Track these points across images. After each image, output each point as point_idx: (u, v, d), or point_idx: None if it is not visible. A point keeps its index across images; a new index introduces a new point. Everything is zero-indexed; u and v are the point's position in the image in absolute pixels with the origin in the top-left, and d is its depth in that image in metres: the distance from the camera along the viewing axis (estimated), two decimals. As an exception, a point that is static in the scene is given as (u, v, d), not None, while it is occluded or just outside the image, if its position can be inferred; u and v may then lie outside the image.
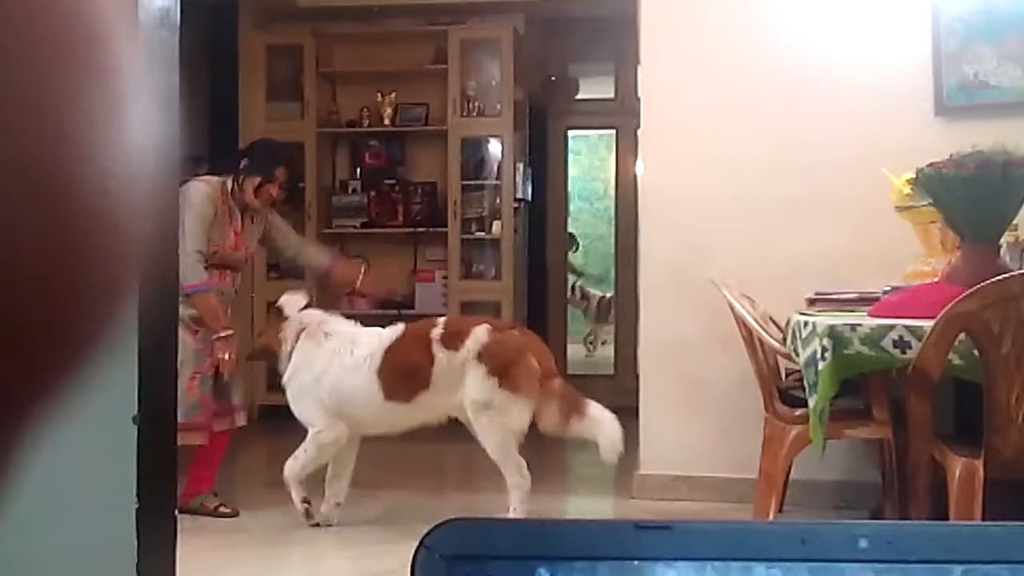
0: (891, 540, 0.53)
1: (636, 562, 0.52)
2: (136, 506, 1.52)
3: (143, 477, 1.52)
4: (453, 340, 4.24)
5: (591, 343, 10.65)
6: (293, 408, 4.41)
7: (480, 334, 4.24)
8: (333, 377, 4.31)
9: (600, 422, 4.15)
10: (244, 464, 6.14)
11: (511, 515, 4.09)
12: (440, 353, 4.22)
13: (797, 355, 3.61)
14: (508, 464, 4.18)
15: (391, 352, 4.31)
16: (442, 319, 4.57)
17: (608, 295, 10.22)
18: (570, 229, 9.87)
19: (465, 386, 4.19)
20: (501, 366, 4.16)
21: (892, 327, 3.29)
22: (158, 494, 1.60)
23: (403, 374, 4.26)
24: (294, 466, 4.33)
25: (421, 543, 0.54)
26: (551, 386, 4.21)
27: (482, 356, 4.18)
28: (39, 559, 1.44)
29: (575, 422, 4.17)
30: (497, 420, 4.15)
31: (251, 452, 6.40)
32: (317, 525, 4.34)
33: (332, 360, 4.33)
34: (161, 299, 1.40)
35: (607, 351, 10.21)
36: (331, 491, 4.44)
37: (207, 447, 4.41)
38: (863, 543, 0.52)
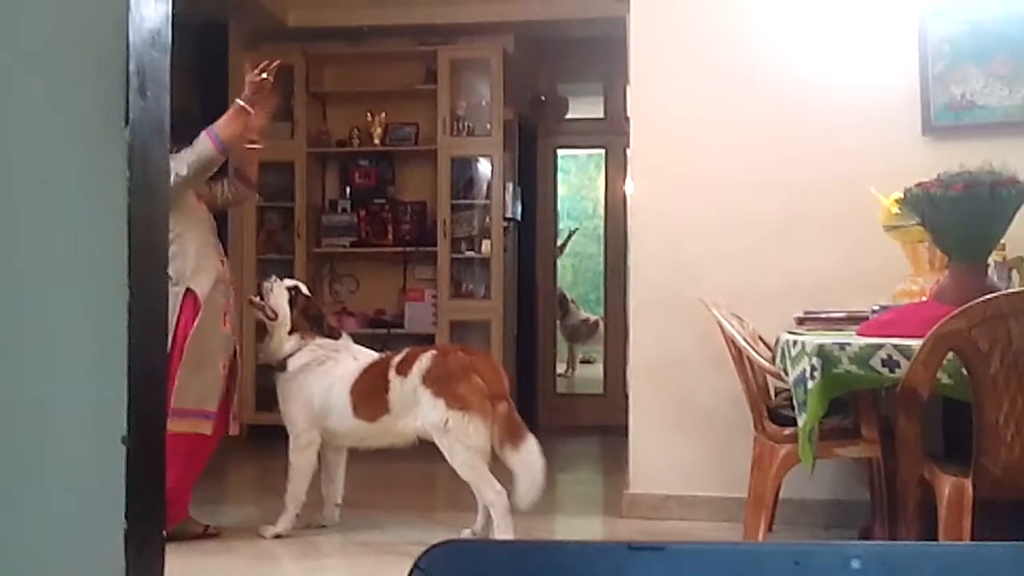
0: (884, 560, 0.53)
1: None
2: (124, 527, 1.51)
3: (131, 498, 1.51)
4: (404, 367, 4.45)
5: (568, 364, 10.58)
6: (283, 406, 4.66)
7: (424, 360, 4.42)
8: (323, 386, 4.57)
9: (528, 463, 4.20)
10: (232, 481, 6.11)
11: (496, 534, 4.09)
12: (394, 379, 4.44)
13: (786, 374, 3.61)
14: (480, 482, 4.23)
15: (363, 374, 4.56)
16: (404, 350, 4.69)
17: (592, 317, 10.19)
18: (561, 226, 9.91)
19: (421, 412, 4.35)
20: (446, 388, 4.31)
21: (881, 346, 3.30)
22: (147, 515, 1.59)
23: (367, 397, 4.50)
24: (292, 491, 4.54)
25: (415, 565, 0.54)
26: (496, 409, 4.28)
27: (426, 380, 4.35)
28: (26, 580, 1.43)
29: (508, 451, 4.24)
30: (456, 440, 4.24)
31: (239, 471, 6.38)
32: (324, 527, 4.64)
33: (327, 369, 4.60)
34: (151, 316, 1.40)
35: (588, 371, 10.21)
36: (328, 494, 4.72)
37: (200, 444, 4.40)
38: (856, 564, 0.53)
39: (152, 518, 1.65)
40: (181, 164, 4.27)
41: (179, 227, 4.34)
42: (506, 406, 4.32)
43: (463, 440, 4.23)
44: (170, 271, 4.16)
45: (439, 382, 4.32)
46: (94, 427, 1.39)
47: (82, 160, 1.21)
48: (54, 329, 1.29)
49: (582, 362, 10.61)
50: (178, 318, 4.30)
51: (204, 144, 4.33)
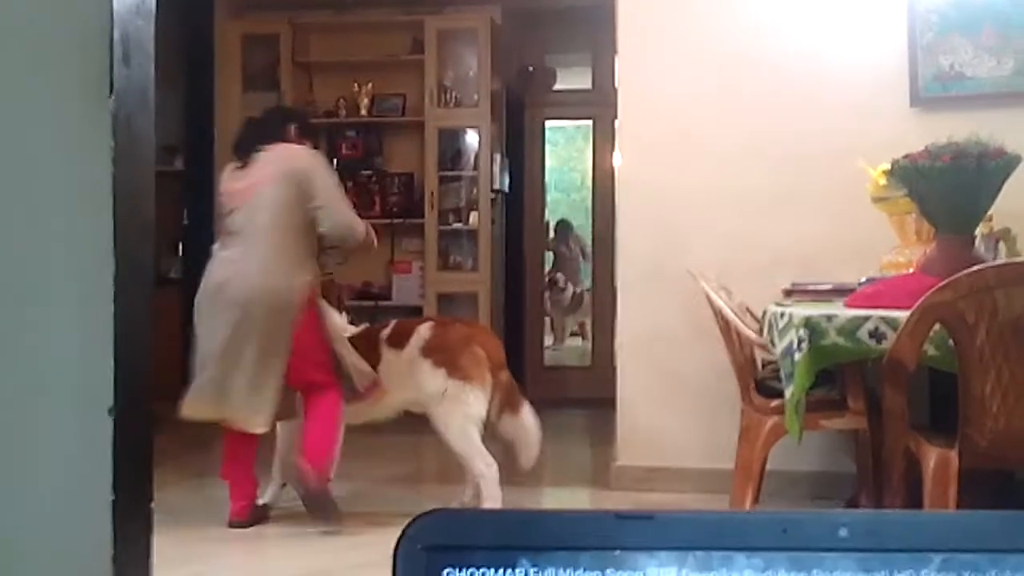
0: (871, 529, 0.53)
1: (617, 552, 0.52)
2: (112, 499, 1.51)
3: (119, 470, 1.51)
4: (397, 339, 4.45)
5: (556, 336, 10.59)
6: None
7: (423, 330, 4.44)
8: None
9: (527, 429, 4.32)
10: (219, 458, 6.11)
11: (485, 505, 4.10)
12: (386, 352, 4.44)
13: (774, 346, 3.62)
14: (472, 453, 4.24)
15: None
16: (393, 322, 4.71)
17: (578, 289, 10.19)
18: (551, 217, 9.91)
19: (418, 383, 4.34)
20: (447, 357, 4.31)
21: (868, 318, 3.31)
22: (134, 487, 1.58)
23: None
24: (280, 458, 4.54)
25: (403, 534, 0.54)
26: (499, 377, 4.35)
27: (426, 350, 4.36)
28: (12, 552, 1.43)
29: (507, 418, 4.32)
30: (453, 409, 4.26)
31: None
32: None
33: None
34: (137, 287, 1.39)
35: (576, 343, 10.22)
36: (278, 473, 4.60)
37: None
38: (843, 532, 0.53)
39: (139, 489, 1.65)
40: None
41: None
42: (507, 375, 4.41)
43: (461, 409, 4.25)
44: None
45: (439, 352, 4.33)
46: (80, 399, 1.39)
47: (66, 130, 1.20)
48: (39, 301, 1.29)
49: (571, 335, 10.61)
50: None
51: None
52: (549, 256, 9.78)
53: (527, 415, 4.35)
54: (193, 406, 4.17)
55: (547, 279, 9.50)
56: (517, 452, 4.32)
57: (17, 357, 1.33)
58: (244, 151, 4.38)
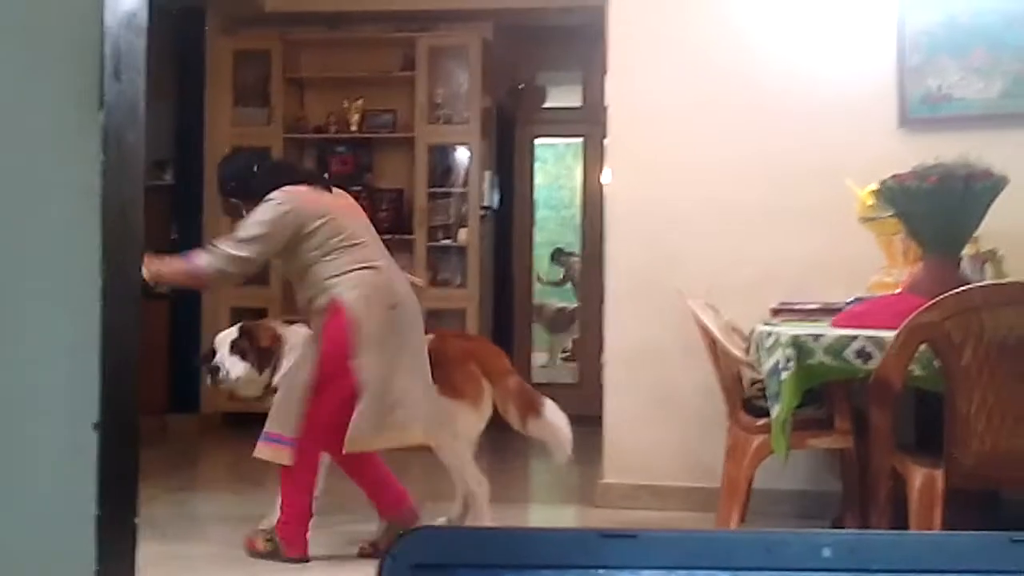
0: (854, 549, 0.53)
1: (601, 571, 0.53)
2: (96, 514, 1.50)
3: (104, 485, 1.50)
4: None
5: (549, 355, 10.54)
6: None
7: None
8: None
9: (553, 427, 4.20)
10: (205, 473, 6.09)
11: (472, 523, 4.09)
12: None
13: (760, 365, 3.62)
14: (465, 472, 4.18)
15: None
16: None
17: (568, 306, 10.17)
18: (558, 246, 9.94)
19: None
20: (441, 374, 4.14)
21: (855, 337, 3.31)
22: (119, 502, 1.58)
23: None
24: None
25: (388, 552, 0.54)
26: (506, 385, 4.23)
27: None
28: (-4, 566, 1.42)
29: (531, 422, 4.20)
30: (444, 428, 4.13)
31: (214, 460, 6.36)
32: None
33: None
34: (124, 301, 1.39)
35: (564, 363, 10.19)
36: None
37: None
38: (827, 552, 0.53)
39: (124, 504, 1.64)
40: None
41: None
42: (516, 380, 4.29)
43: (451, 427, 4.14)
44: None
45: (433, 368, 4.10)
46: (65, 413, 1.38)
47: (55, 144, 1.20)
48: (25, 313, 1.28)
49: (563, 359, 10.53)
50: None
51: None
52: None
53: (551, 413, 4.21)
54: (376, 437, 3.95)
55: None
56: (551, 452, 4.22)
57: (1, 371, 1.33)
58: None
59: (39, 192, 1.20)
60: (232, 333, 4.30)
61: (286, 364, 4.19)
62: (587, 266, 8.62)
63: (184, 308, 7.35)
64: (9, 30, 1.16)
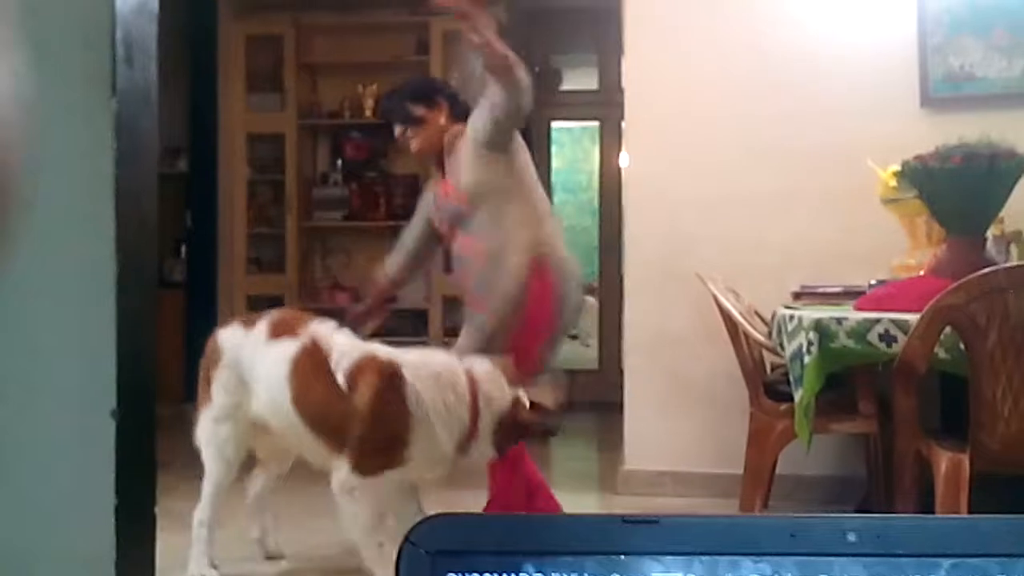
0: (879, 534, 0.53)
1: (623, 556, 0.52)
2: (115, 503, 1.49)
3: (122, 473, 1.49)
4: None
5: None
6: None
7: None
8: None
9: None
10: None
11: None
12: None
13: (783, 349, 3.60)
14: None
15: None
16: None
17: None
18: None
19: None
20: None
21: (878, 321, 3.28)
22: (137, 490, 1.56)
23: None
24: None
25: (407, 539, 0.54)
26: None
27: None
28: (15, 555, 1.41)
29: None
30: None
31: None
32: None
33: None
34: (140, 290, 1.36)
35: (580, 348, 10.16)
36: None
37: None
38: (852, 537, 0.53)
39: (142, 494, 1.63)
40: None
41: None
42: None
43: None
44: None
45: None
46: (83, 401, 1.36)
47: (68, 131, 1.18)
48: (40, 302, 1.26)
49: (570, 337, 10.54)
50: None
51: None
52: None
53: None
54: None
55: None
56: None
57: (19, 360, 1.31)
58: None
59: (52, 181, 1.17)
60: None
61: None
62: (605, 250, 8.59)
63: (200, 296, 7.36)
64: (20, 17, 1.14)
